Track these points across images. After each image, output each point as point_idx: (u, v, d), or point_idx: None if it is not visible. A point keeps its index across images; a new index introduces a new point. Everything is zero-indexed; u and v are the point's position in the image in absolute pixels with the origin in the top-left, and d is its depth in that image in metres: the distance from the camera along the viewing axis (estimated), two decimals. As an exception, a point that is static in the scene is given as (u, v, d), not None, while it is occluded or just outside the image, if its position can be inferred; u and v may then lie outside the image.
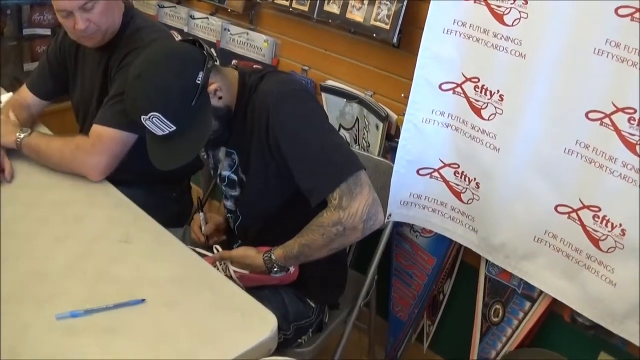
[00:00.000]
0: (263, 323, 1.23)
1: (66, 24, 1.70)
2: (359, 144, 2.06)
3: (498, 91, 1.53)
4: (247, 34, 2.33)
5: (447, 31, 1.57)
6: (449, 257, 1.91)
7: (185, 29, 2.59)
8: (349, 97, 2.02)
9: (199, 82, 1.37)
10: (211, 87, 1.41)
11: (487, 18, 1.49)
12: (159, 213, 1.64)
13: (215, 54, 1.46)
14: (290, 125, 1.39)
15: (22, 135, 1.70)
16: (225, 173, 1.60)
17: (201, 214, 1.71)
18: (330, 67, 2.12)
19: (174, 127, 1.38)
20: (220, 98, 1.44)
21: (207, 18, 2.48)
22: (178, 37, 2.57)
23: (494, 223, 1.64)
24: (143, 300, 1.25)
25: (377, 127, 1.93)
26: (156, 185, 2.00)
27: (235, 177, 1.59)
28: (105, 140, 1.66)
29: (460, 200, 1.71)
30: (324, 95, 2.11)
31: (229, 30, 2.39)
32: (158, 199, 1.97)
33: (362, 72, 2.01)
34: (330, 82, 2.10)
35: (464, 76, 1.58)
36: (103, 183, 1.67)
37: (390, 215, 1.79)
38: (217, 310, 1.25)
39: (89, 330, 1.17)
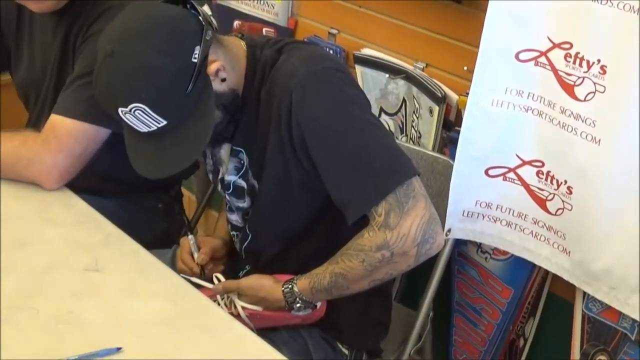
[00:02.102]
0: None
1: None
2: (406, 134, 2.06)
3: (599, 61, 1.50)
4: (255, -16, 2.34)
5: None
6: (530, 288, 1.89)
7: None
8: (393, 71, 2.02)
9: (195, 60, 1.37)
10: (212, 67, 1.41)
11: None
12: (140, 230, 1.66)
13: (213, 21, 1.45)
14: (321, 119, 1.40)
15: None
16: (230, 178, 1.61)
17: (191, 237, 1.71)
18: (367, 29, 2.12)
19: (164, 122, 1.39)
20: (223, 80, 1.45)
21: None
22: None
23: (594, 241, 1.63)
24: (119, 349, 1.26)
25: (430, 111, 1.93)
26: (136, 195, 2.02)
27: (243, 184, 1.60)
28: (63, 135, 1.66)
29: (546, 210, 1.70)
30: (358, 68, 2.11)
31: (230, -20, 2.40)
32: (139, 213, 1.99)
33: (411, 36, 2.01)
34: (367, 51, 2.10)
35: (551, 41, 1.57)
36: (62, 191, 1.68)
37: (449, 230, 1.79)
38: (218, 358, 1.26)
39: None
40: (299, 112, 1.39)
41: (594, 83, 1.52)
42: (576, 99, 1.56)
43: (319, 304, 1.53)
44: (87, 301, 1.37)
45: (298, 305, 1.48)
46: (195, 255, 1.70)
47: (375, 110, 2.11)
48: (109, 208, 1.74)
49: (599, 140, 1.54)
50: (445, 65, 1.94)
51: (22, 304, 1.35)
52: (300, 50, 1.49)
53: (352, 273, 1.40)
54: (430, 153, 1.87)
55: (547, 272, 1.85)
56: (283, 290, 1.48)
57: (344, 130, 1.38)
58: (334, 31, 2.19)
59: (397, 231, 1.34)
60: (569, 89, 1.57)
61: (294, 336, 1.59)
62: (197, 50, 1.37)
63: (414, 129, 2.02)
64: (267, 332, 1.52)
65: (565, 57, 1.55)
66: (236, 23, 2.40)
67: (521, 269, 1.86)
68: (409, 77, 1.98)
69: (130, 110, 1.36)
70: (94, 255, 1.48)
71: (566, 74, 1.56)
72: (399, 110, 2.06)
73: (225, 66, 1.44)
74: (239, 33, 1.62)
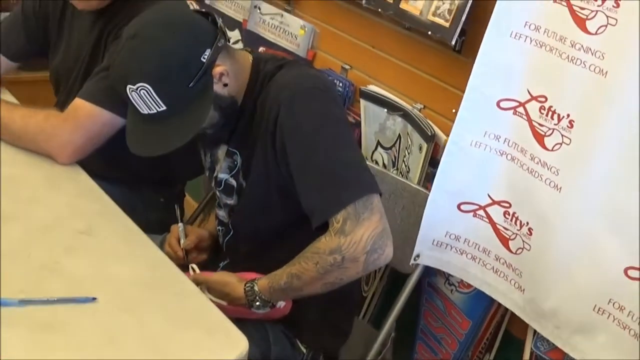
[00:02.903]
0: (230, 346, 1.35)
1: None
2: (397, 168, 2.19)
3: (568, 115, 1.63)
4: (282, 15, 2.51)
5: (516, 35, 1.69)
6: (489, 322, 1.99)
7: (207, 1, 2.80)
8: (392, 108, 2.15)
9: (204, 60, 1.53)
10: (217, 70, 1.56)
11: (566, 22, 1.59)
12: (136, 216, 1.79)
13: (227, 33, 1.62)
14: (302, 128, 1.53)
15: None
16: (223, 176, 1.75)
17: (180, 224, 1.86)
18: (377, 68, 2.26)
19: (164, 107, 1.53)
20: (225, 85, 1.59)
21: (236, -9, 2.69)
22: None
23: (546, 282, 1.73)
24: (94, 299, 1.39)
25: (420, 148, 2.06)
26: (142, 186, 2.17)
27: (234, 183, 1.73)
28: (82, 116, 1.82)
29: (508, 248, 1.81)
30: (362, 102, 2.25)
31: (259, 9, 2.58)
32: (141, 202, 2.13)
33: (414, 79, 2.15)
34: (373, 88, 2.24)
35: (530, 94, 1.70)
36: (72, 167, 1.84)
37: (418, 256, 1.90)
38: (179, 323, 1.38)
39: (20, 324, 1.30)
40: (284, 121, 1.52)
41: (562, 135, 1.64)
42: (545, 148, 1.68)
43: (280, 304, 1.64)
44: (74, 257, 1.50)
45: (257, 304, 1.59)
46: (182, 241, 1.84)
47: (372, 144, 2.26)
48: (112, 193, 1.88)
49: (560, 188, 1.66)
50: (439, 108, 2.07)
51: (17, 247, 1.49)
52: (298, 68, 1.64)
53: (305, 275, 1.51)
54: (414, 185, 2.00)
55: (505, 311, 1.95)
56: (245, 289, 1.60)
57: (319, 143, 1.50)
58: (347, 67, 2.34)
59: (350, 237, 1.45)
60: (540, 138, 1.69)
61: (257, 328, 1.70)
62: (208, 52, 1.53)
63: (404, 164, 2.15)
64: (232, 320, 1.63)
65: (540, 109, 1.68)
66: (261, 49, 2.57)
67: (480, 303, 1.96)
68: (406, 115, 2.11)
69: (137, 89, 1.51)
70: (89, 221, 1.63)
71: (539, 124, 1.68)
72: (394, 145, 2.19)
73: (229, 73, 1.58)
74: (250, 49, 1.77)
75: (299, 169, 1.52)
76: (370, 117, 2.24)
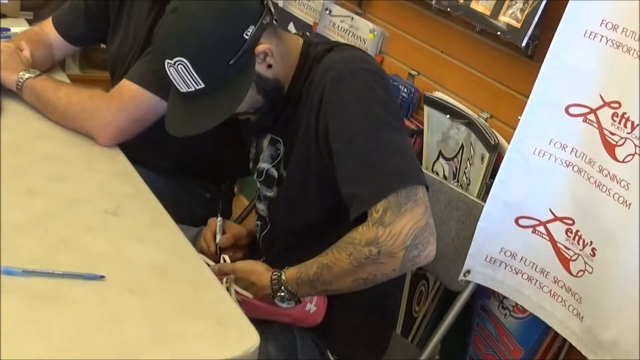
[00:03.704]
0: (239, 341, 1.24)
1: None
2: (457, 180, 2.06)
3: (643, 123, 1.48)
4: (352, 18, 2.43)
5: (590, 34, 1.55)
6: (544, 353, 1.83)
7: (281, 3, 2.75)
8: (457, 115, 2.03)
9: (246, 37, 1.45)
10: (260, 47, 1.47)
11: (646, 21, 1.47)
12: (181, 209, 1.73)
13: (273, 11, 1.53)
14: (346, 110, 1.43)
15: (26, 76, 1.84)
16: (264, 166, 1.66)
17: (220, 219, 1.77)
18: (444, 74, 2.15)
19: (202, 85, 1.45)
20: (270, 67, 1.51)
21: (309, -7, 2.63)
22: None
23: (607, 309, 1.57)
24: (102, 277, 1.31)
25: (482, 158, 1.92)
26: (189, 179, 2.11)
27: (275, 173, 1.64)
28: (126, 97, 1.77)
29: (568, 270, 1.65)
30: (427, 109, 2.14)
31: (330, 12, 2.50)
32: (186, 195, 2.07)
33: (482, 85, 2.03)
34: (439, 94, 2.13)
35: (602, 99, 1.55)
36: (111, 149, 1.78)
37: (469, 272, 1.76)
38: (189, 311, 1.29)
39: (20, 293, 1.24)
40: (327, 102, 1.43)
41: (635, 145, 1.49)
42: (616, 159, 1.53)
43: (312, 305, 1.53)
44: (94, 235, 1.44)
45: (281, 294, 1.47)
46: (218, 237, 1.75)
47: (434, 154, 2.13)
48: (156, 182, 1.82)
49: (630, 204, 1.50)
50: (507, 117, 1.94)
51: (36, 222, 1.44)
52: (348, 51, 1.54)
53: (337, 266, 1.38)
54: (471, 197, 1.86)
55: (563, 342, 1.80)
56: (271, 277, 1.49)
57: (363, 126, 1.40)
58: (414, 72, 2.23)
59: (389, 229, 1.33)
60: (610, 148, 1.54)
61: (285, 332, 1.60)
62: (251, 29, 1.44)
63: (465, 176, 2.02)
64: (259, 323, 1.52)
65: (612, 116, 1.53)
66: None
67: (535, 330, 1.81)
68: (470, 124, 1.98)
69: (174, 64, 1.44)
70: (118, 202, 1.56)
71: (610, 133, 1.54)
72: (456, 155, 2.06)
73: (274, 53, 1.49)
74: (302, 33, 1.69)
75: (340, 154, 1.41)
76: (433, 125, 2.12)
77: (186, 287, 1.36)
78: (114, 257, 1.39)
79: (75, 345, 1.17)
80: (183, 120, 1.51)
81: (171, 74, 1.47)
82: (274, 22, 1.52)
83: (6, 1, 2.51)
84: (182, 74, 1.45)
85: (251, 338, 1.26)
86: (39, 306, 1.22)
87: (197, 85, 1.45)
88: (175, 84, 1.48)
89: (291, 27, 2.71)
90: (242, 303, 1.53)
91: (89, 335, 1.19)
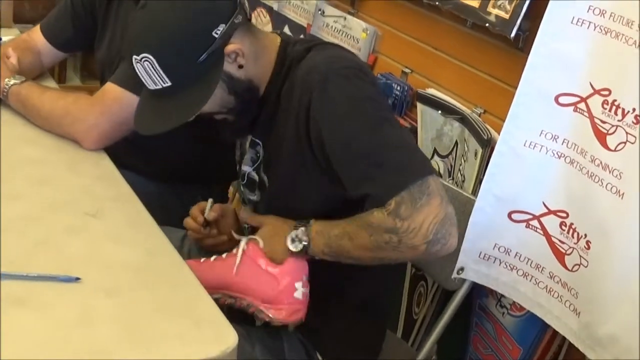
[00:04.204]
0: (217, 340, 1.21)
1: None
2: (453, 178, 2.02)
3: (634, 110, 1.43)
4: (345, 19, 2.40)
5: (578, 21, 1.51)
6: (543, 352, 1.79)
7: (275, 7, 2.73)
8: (450, 111, 2.00)
9: (216, 35, 1.41)
10: (230, 47, 1.43)
11: (634, 5, 1.42)
12: (170, 213, 1.70)
13: (248, 10, 1.49)
14: (338, 114, 1.38)
15: (11, 82, 1.81)
16: (246, 169, 1.63)
17: (210, 200, 1.72)
18: (437, 71, 2.13)
19: (169, 83, 1.42)
20: (241, 67, 1.46)
21: (303, -6, 2.61)
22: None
23: (604, 304, 1.51)
24: (77, 279, 1.28)
25: (475, 154, 1.89)
26: (179, 183, 2.08)
27: (256, 177, 1.61)
28: (110, 100, 1.74)
29: (564, 265, 1.61)
30: (420, 106, 2.11)
31: (323, 12, 2.47)
32: (176, 199, 2.04)
33: (474, 80, 2.00)
34: (432, 91, 2.10)
35: (592, 87, 1.51)
36: (96, 152, 1.75)
37: (462, 269, 1.71)
38: (166, 311, 1.26)
39: (-9, 297, 1.21)
40: (317, 108, 1.39)
41: (626, 133, 1.45)
42: (607, 148, 1.48)
43: (302, 291, 1.45)
44: (72, 237, 1.41)
45: (297, 232, 1.42)
46: (207, 212, 1.69)
47: (429, 151, 2.10)
48: (146, 187, 1.80)
49: (623, 194, 1.45)
50: (500, 111, 1.90)
51: (13, 225, 1.41)
52: (327, 50, 1.50)
53: (358, 239, 1.35)
54: (465, 194, 1.81)
55: (563, 340, 1.75)
56: (297, 222, 1.45)
57: (360, 127, 1.36)
58: (407, 70, 2.21)
59: (407, 223, 1.29)
60: (602, 137, 1.50)
61: (272, 334, 1.55)
62: (222, 28, 1.41)
63: (460, 173, 1.98)
64: (244, 324, 1.49)
65: (602, 104, 1.49)
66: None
67: (532, 328, 1.77)
68: (463, 119, 1.95)
69: (141, 60, 1.41)
70: (100, 205, 1.53)
71: (601, 121, 1.49)
72: (450, 152, 2.03)
73: (246, 54, 1.45)
74: (278, 32, 1.65)
75: (341, 158, 1.37)
76: (427, 122, 2.09)
77: (163, 287, 1.33)
78: (91, 258, 1.36)
79: (48, 347, 1.14)
80: (150, 118, 1.48)
81: (138, 70, 1.44)
82: (248, 20, 1.49)
83: (-3, 12, 2.50)
84: (149, 71, 1.42)
85: (229, 338, 1.22)
86: (9, 309, 1.19)
87: (164, 83, 1.42)
88: (143, 80, 1.45)
89: (286, 29, 2.69)
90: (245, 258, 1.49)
91: (62, 337, 1.16)
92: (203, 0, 1.43)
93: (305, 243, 1.42)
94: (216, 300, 1.36)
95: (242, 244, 1.50)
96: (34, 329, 1.17)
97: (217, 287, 1.48)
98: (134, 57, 1.42)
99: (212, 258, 1.54)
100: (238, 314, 1.48)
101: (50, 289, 1.26)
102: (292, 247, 1.43)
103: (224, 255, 1.53)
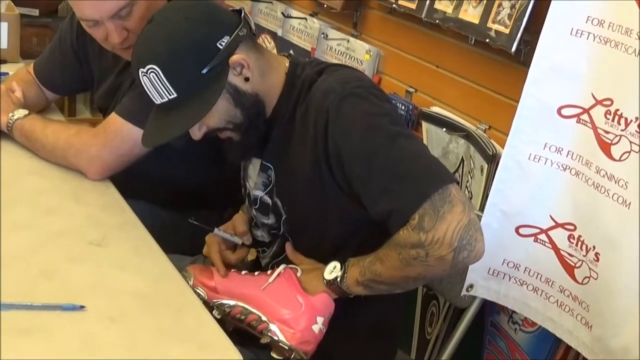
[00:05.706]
0: (222, 363, 1.21)
1: (95, 34, 1.72)
2: (460, 195, 2.01)
3: (637, 119, 1.42)
4: (348, 41, 2.41)
5: (577, 32, 1.51)
6: (558, 367, 1.76)
7: (280, 32, 2.74)
8: (454, 128, 1.99)
9: (220, 46, 1.43)
10: (235, 58, 1.44)
11: (633, 14, 1.41)
12: (181, 240, 1.69)
13: (252, 25, 1.51)
14: (355, 132, 1.39)
15: (15, 117, 1.82)
16: (257, 194, 1.61)
17: (216, 229, 1.68)
18: (441, 89, 2.13)
19: (174, 94, 1.43)
20: (247, 80, 1.47)
21: (306, 19, 2.61)
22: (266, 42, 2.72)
23: (615, 316, 1.49)
24: (82, 307, 1.28)
25: (482, 170, 1.88)
26: (189, 209, 2.07)
27: (269, 201, 1.59)
28: (112, 132, 1.74)
29: (573, 278, 1.58)
30: (424, 125, 2.10)
31: (326, 36, 2.48)
32: (186, 225, 2.03)
33: (478, 96, 2.00)
34: (436, 109, 2.09)
35: (594, 98, 1.50)
36: (101, 181, 1.76)
37: (471, 286, 1.70)
38: (171, 337, 1.26)
39: (-4, 327, 1.21)
40: (334, 128, 1.40)
41: (630, 142, 1.43)
42: (612, 158, 1.47)
43: (317, 327, 1.46)
44: (77, 266, 1.42)
45: (335, 264, 1.44)
46: (236, 238, 1.67)
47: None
48: (157, 214, 1.79)
49: (629, 204, 1.44)
50: (504, 126, 1.88)
51: (20, 255, 1.42)
52: (339, 72, 1.51)
53: (388, 260, 1.36)
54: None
55: (577, 356, 1.72)
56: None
57: (378, 142, 1.37)
58: (411, 90, 2.21)
59: (431, 234, 1.29)
60: (606, 147, 1.48)
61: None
62: (226, 39, 1.42)
63: (467, 190, 1.97)
64: (255, 349, 1.48)
65: (605, 114, 1.48)
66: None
67: (545, 343, 1.75)
68: (468, 136, 1.94)
69: (147, 72, 1.42)
70: (105, 233, 1.54)
71: (604, 131, 1.48)
72: (457, 170, 2.01)
73: (251, 67, 1.46)
74: (288, 54, 1.66)
75: (362, 177, 1.38)
76: (433, 140, 2.08)
77: (168, 312, 1.33)
78: (95, 286, 1.36)
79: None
80: (155, 131, 1.50)
81: (145, 83, 1.45)
82: (253, 35, 1.50)
83: (5, 47, 2.53)
84: (155, 83, 1.43)
85: (234, 361, 1.22)
86: (14, 340, 1.19)
87: (170, 95, 1.43)
88: (150, 94, 1.46)
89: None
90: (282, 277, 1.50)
91: (65, 366, 1.16)
92: (208, 14, 1.46)
93: (341, 272, 1.44)
94: (228, 309, 1.41)
95: (280, 268, 1.51)
96: (38, 358, 1.17)
97: (236, 295, 1.49)
98: (141, 70, 1.43)
99: (243, 272, 1.55)
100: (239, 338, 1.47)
101: (54, 318, 1.26)
102: (327, 276, 1.45)
103: (256, 273, 1.54)
